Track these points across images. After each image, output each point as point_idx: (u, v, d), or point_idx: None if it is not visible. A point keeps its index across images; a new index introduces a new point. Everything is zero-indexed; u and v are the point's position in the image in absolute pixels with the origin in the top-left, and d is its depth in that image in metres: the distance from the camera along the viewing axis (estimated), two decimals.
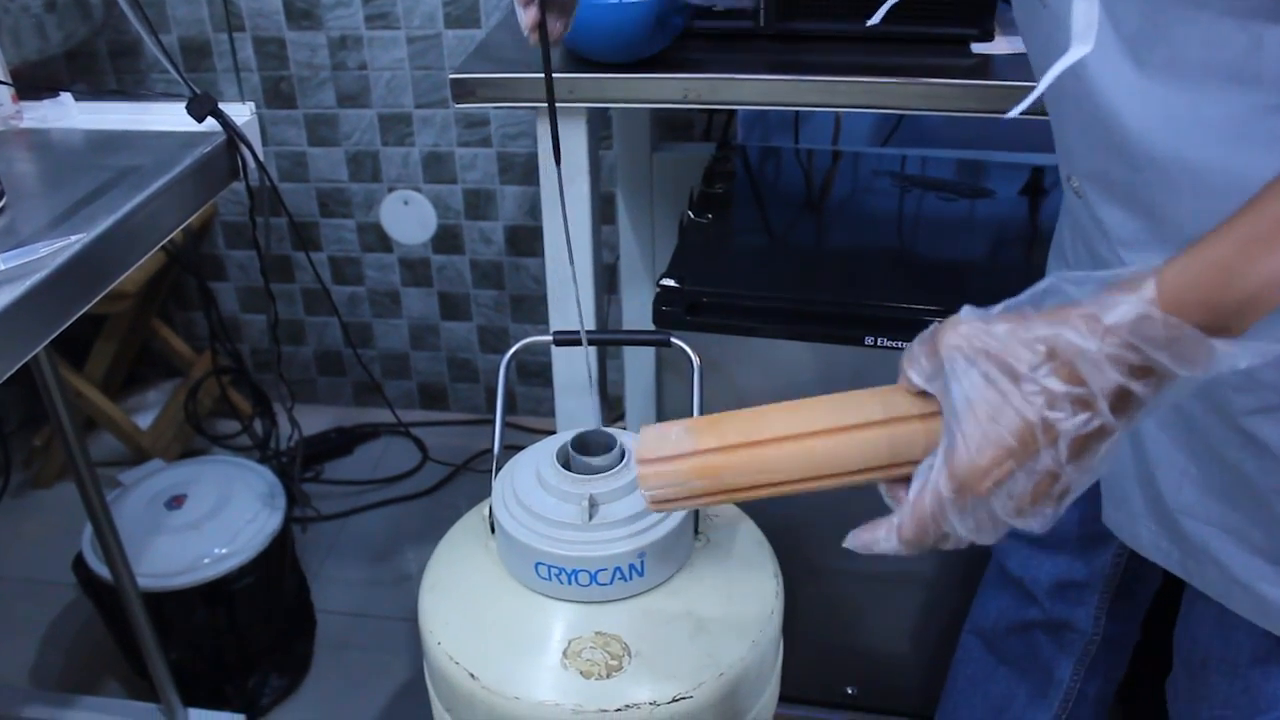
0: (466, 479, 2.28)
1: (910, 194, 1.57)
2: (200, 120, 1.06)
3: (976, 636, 1.30)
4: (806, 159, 1.73)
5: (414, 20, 2.04)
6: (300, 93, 2.15)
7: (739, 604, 1.05)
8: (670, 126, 1.99)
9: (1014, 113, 0.72)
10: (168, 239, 0.97)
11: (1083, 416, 0.56)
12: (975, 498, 0.58)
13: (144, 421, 2.26)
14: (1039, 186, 1.59)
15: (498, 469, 1.08)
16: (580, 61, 1.22)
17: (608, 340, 1.31)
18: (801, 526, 1.43)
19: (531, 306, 2.31)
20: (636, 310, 1.94)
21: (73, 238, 0.83)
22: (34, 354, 0.81)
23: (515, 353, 1.13)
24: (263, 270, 1.71)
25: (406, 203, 2.22)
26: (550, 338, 1.16)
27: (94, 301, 0.87)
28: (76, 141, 1.09)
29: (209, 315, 2.30)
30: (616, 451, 1.04)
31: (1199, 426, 0.84)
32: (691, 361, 1.12)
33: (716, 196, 1.52)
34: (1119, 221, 0.81)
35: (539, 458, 1.06)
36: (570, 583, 1.00)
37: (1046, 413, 0.56)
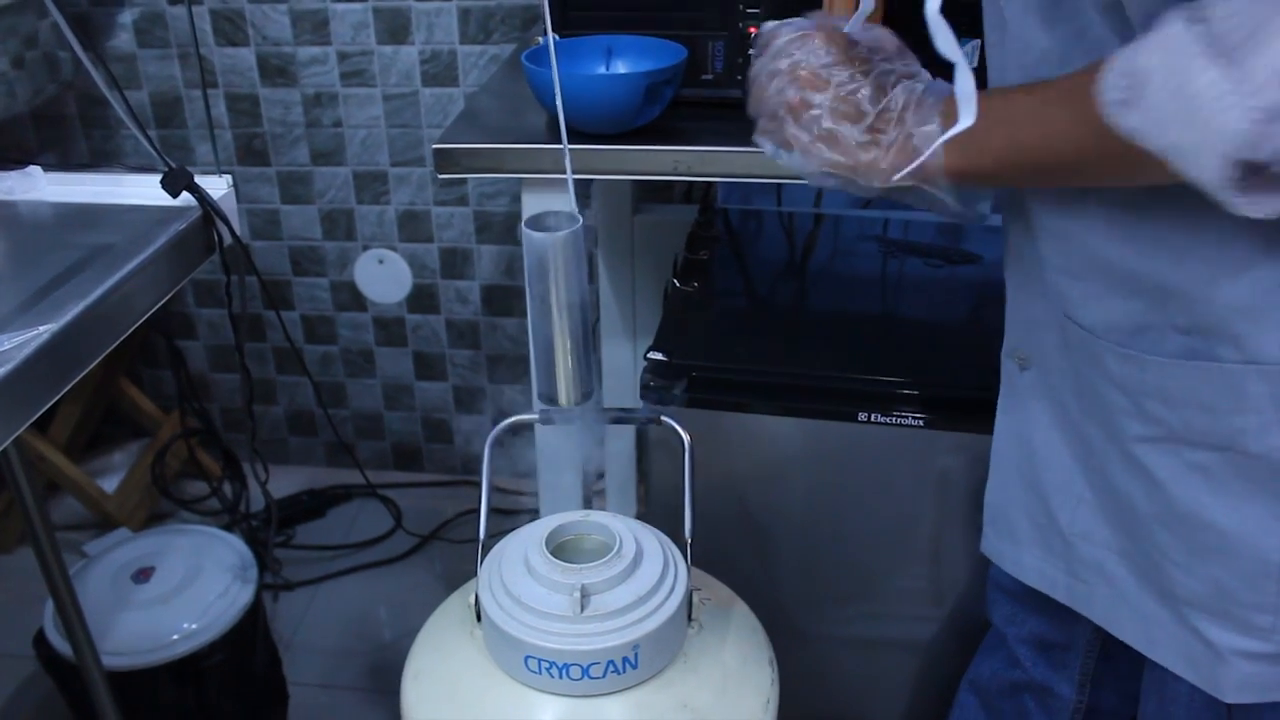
0: (442, 543, 2.23)
1: (897, 260, 1.55)
2: (175, 195, 1.02)
3: (974, 693, 1.27)
4: (789, 222, 1.71)
5: (390, 78, 2.02)
6: (273, 150, 2.11)
7: (734, 695, 1.01)
8: (651, 188, 1.97)
9: (896, 178, 0.82)
10: (139, 322, 0.93)
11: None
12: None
13: (109, 485, 2.20)
14: None
15: (483, 555, 1.04)
16: (568, 132, 1.19)
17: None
18: (792, 594, 1.39)
19: (508, 366, 2.27)
20: (618, 373, 1.91)
21: (40, 329, 0.79)
22: (4, 445, 0.77)
23: (499, 432, 1.10)
24: (237, 343, 1.67)
25: (381, 261, 2.19)
26: (537, 416, 1.12)
27: (63, 392, 0.83)
28: (45, 216, 1.05)
29: (178, 374, 2.25)
30: (606, 540, 1.00)
31: (1096, 451, 0.89)
32: (682, 440, 1.09)
33: (701, 263, 1.50)
34: None
35: (527, 544, 1.02)
36: (561, 676, 0.96)
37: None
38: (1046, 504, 0.97)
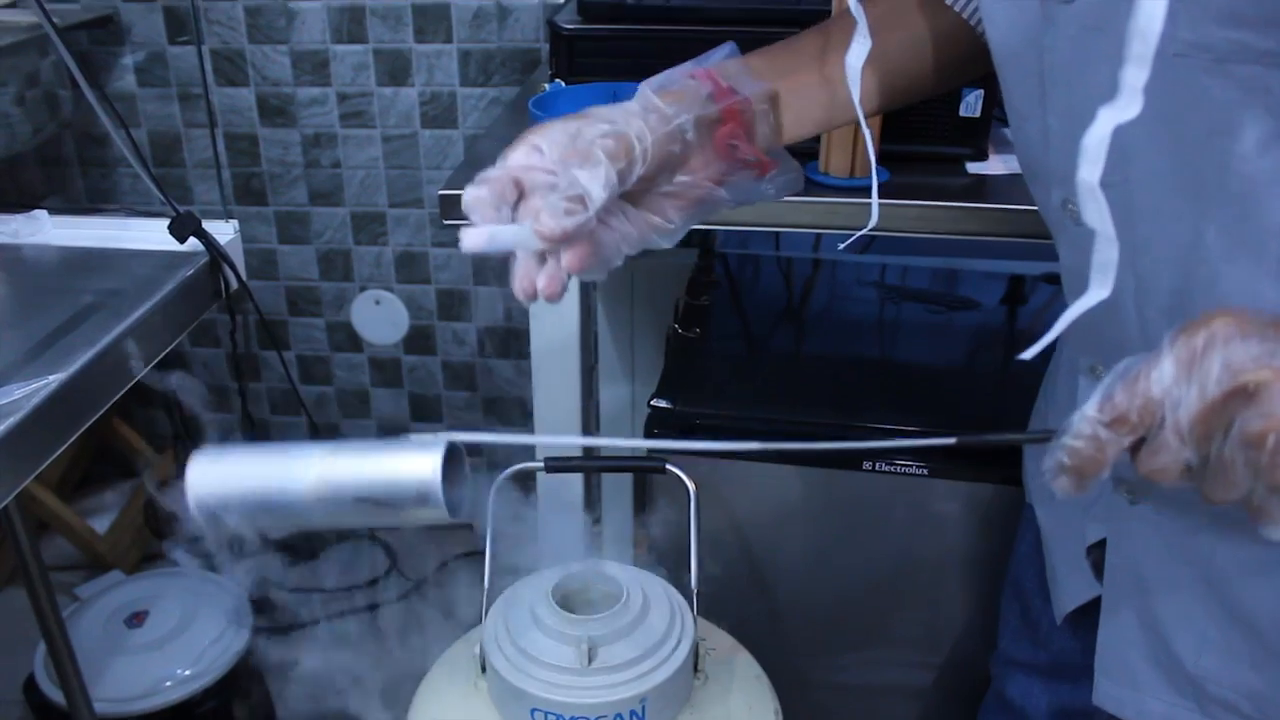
0: (438, 588, 2.21)
1: (896, 305, 1.56)
2: (182, 241, 1.02)
3: None
4: (787, 267, 1.71)
5: (389, 119, 2.02)
6: (272, 190, 2.11)
7: None
8: None
9: (1030, 354, 0.60)
10: (146, 370, 0.92)
11: None
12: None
13: (101, 525, 2.18)
14: (1019, 295, 1.58)
15: (488, 605, 1.04)
16: None
17: (601, 467, 1.27)
18: (796, 642, 1.38)
19: (505, 409, 2.27)
20: (616, 418, 1.90)
21: (50, 378, 0.78)
22: (8, 500, 0.76)
23: (502, 481, 1.09)
24: (240, 386, 1.66)
25: (378, 302, 2.18)
26: (541, 464, 1.12)
27: (70, 440, 0.82)
28: (51, 260, 1.05)
29: (171, 414, 2.23)
30: (613, 590, 1.00)
31: (1220, 578, 0.80)
32: (687, 489, 1.08)
33: (702, 309, 1.50)
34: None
35: (533, 594, 1.01)
36: None
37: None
38: (1167, 643, 0.87)
